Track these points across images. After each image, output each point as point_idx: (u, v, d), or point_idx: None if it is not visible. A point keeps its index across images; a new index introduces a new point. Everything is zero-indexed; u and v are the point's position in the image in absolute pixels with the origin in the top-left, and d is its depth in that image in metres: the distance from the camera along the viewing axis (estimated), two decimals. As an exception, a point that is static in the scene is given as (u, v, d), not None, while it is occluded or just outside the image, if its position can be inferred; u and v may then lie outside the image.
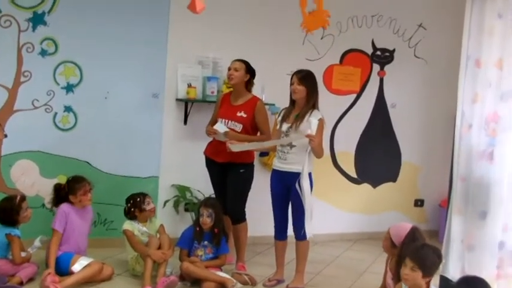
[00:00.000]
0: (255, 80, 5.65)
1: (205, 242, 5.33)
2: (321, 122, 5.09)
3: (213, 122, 5.65)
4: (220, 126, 5.43)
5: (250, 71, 5.56)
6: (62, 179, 5.60)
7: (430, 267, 3.92)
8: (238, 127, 5.44)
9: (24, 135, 5.75)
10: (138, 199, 5.42)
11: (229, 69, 5.57)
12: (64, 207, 5.25)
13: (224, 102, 5.64)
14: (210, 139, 5.63)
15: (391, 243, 4.54)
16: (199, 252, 5.32)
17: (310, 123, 4.98)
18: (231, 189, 5.53)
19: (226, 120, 5.49)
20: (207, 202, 5.38)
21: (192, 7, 4.44)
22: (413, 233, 4.44)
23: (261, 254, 6.24)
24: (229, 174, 5.50)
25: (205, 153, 5.70)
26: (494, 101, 4.74)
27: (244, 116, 5.46)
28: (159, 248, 5.24)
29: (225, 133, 5.36)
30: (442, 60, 7.16)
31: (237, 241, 5.63)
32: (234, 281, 5.20)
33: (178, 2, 5.84)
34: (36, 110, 5.81)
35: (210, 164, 5.67)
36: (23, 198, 5.16)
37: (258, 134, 5.55)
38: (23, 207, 5.08)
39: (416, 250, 4.00)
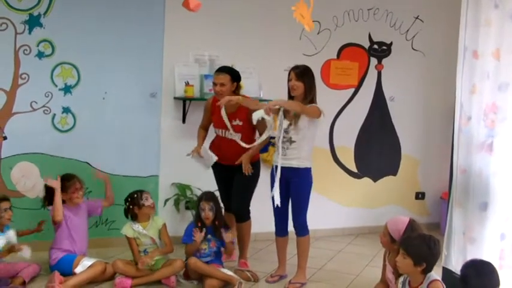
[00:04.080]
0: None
1: (208, 236, 5.30)
2: (316, 108, 5.07)
3: (204, 125, 5.65)
4: (209, 153, 5.43)
5: (236, 78, 5.36)
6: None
7: (419, 255, 3.94)
8: (237, 136, 5.34)
9: (24, 137, 5.76)
10: (136, 195, 5.32)
11: (214, 84, 5.35)
12: None
13: (215, 109, 5.43)
14: (212, 137, 5.62)
15: (390, 238, 4.51)
16: (203, 246, 5.29)
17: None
18: (236, 189, 5.48)
19: (223, 130, 5.42)
20: (207, 196, 5.34)
21: (185, 4, 4.38)
22: (411, 225, 4.44)
23: (263, 251, 6.24)
24: (236, 174, 5.40)
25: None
26: (492, 92, 4.72)
27: (240, 124, 5.35)
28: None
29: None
30: (440, 52, 7.14)
31: (240, 238, 5.63)
32: (240, 279, 5.16)
33: (173, 1, 5.82)
34: (35, 112, 5.82)
35: (214, 163, 5.55)
36: (5, 198, 5.10)
37: (257, 134, 5.46)
38: (1, 207, 5.00)
39: (407, 238, 4.10)
